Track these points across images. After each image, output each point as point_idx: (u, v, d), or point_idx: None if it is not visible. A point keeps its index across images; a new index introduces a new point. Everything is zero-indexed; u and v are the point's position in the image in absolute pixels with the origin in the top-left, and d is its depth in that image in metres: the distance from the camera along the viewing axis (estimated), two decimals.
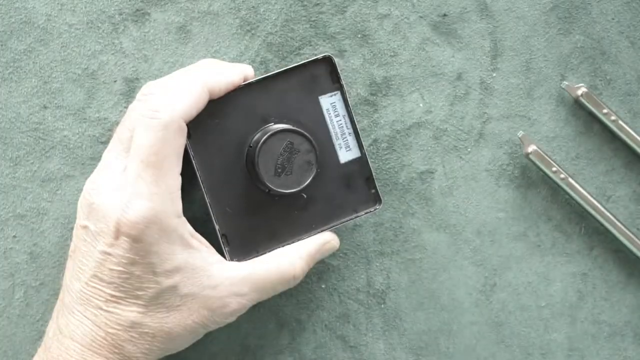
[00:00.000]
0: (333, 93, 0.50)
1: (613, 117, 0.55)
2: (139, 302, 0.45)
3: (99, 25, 0.52)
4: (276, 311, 0.54)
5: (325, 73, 0.50)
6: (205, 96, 0.47)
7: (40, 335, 0.50)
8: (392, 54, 0.55)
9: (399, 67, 0.55)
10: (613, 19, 0.56)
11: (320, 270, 0.54)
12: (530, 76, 0.56)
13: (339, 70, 0.50)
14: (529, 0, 0.56)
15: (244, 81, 0.49)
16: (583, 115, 0.56)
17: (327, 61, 0.50)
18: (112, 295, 0.45)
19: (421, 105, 0.55)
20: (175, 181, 0.46)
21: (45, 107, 0.52)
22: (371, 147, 0.55)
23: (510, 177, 0.56)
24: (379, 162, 0.55)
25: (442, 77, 0.55)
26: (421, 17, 0.55)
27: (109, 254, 0.45)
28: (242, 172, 0.49)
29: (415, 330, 0.55)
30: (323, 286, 0.55)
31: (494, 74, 0.56)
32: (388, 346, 0.55)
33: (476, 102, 0.55)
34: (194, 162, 0.48)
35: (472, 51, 0.55)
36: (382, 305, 0.55)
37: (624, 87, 0.56)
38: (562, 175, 0.55)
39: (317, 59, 0.50)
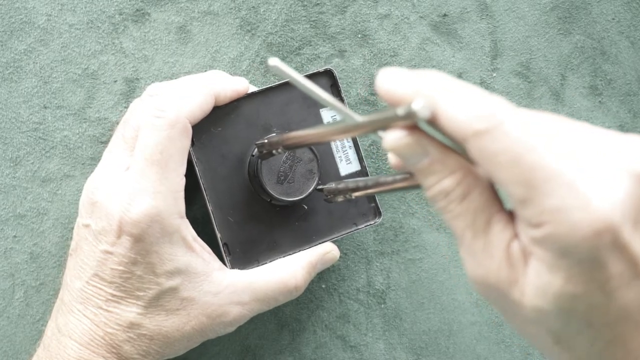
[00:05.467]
0: None
1: None
2: (139, 302, 0.45)
3: (99, 25, 0.52)
4: (276, 311, 0.54)
5: (326, 86, 0.50)
6: (211, 100, 0.47)
7: (40, 335, 0.50)
8: (392, 54, 0.55)
9: (399, 67, 0.55)
10: (613, 19, 0.56)
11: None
12: (530, 76, 0.56)
13: (339, 84, 0.50)
14: (529, 0, 0.56)
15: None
16: (583, 116, 0.56)
17: (329, 74, 0.50)
18: (113, 295, 0.45)
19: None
20: (179, 181, 0.46)
21: (46, 107, 0.52)
22: (371, 147, 0.55)
23: None
24: (379, 162, 0.55)
25: None
26: (421, 17, 0.55)
27: (111, 252, 0.45)
28: (245, 181, 0.49)
29: (415, 330, 0.55)
30: (323, 286, 0.55)
31: (494, 74, 0.56)
32: (388, 346, 0.55)
33: None
34: (197, 169, 0.48)
35: (472, 51, 0.55)
36: (382, 305, 0.55)
37: (624, 87, 0.56)
38: None
39: (318, 71, 0.50)
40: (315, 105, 0.50)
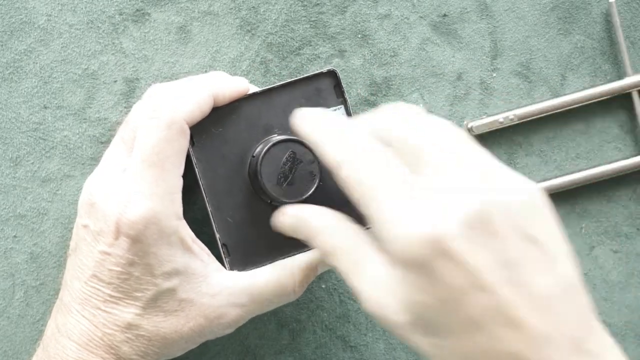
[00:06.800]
0: (337, 107, 0.50)
1: None
2: (137, 303, 0.45)
3: (99, 25, 0.52)
4: (276, 311, 0.54)
5: (329, 87, 0.50)
6: (210, 100, 0.47)
7: (40, 335, 0.50)
8: (392, 54, 0.55)
9: (399, 67, 0.55)
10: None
11: None
12: (530, 76, 0.56)
13: (342, 85, 0.50)
14: (529, 0, 0.56)
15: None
16: (583, 116, 0.56)
17: (332, 75, 0.50)
18: (111, 296, 0.45)
19: (421, 105, 0.55)
20: (176, 182, 0.46)
21: (46, 107, 0.52)
22: None
23: None
24: None
25: (442, 77, 0.55)
26: (421, 17, 0.55)
27: (109, 253, 0.45)
28: (245, 182, 0.49)
29: None
30: (323, 286, 0.55)
31: (494, 74, 0.56)
32: (388, 346, 0.55)
33: (476, 102, 0.55)
34: (196, 170, 0.48)
35: (472, 51, 0.55)
36: None
37: None
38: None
39: (321, 72, 0.50)
40: (317, 106, 0.50)
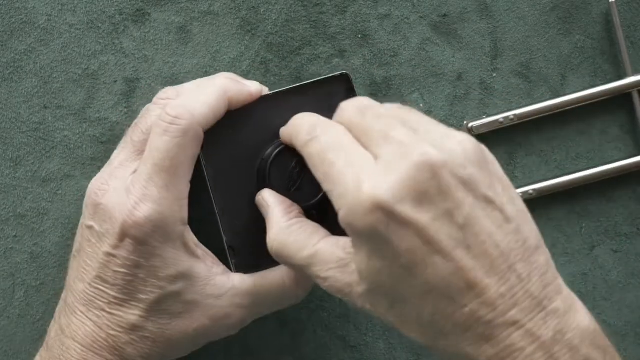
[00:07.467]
0: None
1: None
2: (141, 305, 0.45)
3: (99, 25, 0.52)
4: (276, 311, 0.54)
5: (341, 91, 0.49)
6: (225, 105, 0.47)
7: (40, 335, 0.50)
8: (392, 54, 0.55)
9: (399, 67, 0.55)
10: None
11: None
12: (530, 76, 0.56)
13: (355, 89, 0.49)
14: (529, 1, 0.56)
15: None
16: (583, 115, 0.56)
17: (344, 79, 0.49)
18: (115, 297, 0.45)
19: (421, 105, 0.55)
20: (184, 188, 0.46)
21: (46, 107, 0.52)
22: None
23: (511, 177, 0.56)
24: None
25: (442, 77, 0.55)
26: (421, 17, 0.55)
27: (114, 255, 0.45)
28: (253, 185, 0.48)
29: None
30: None
31: (494, 74, 0.56)
32: (388, 346, 0.55)
33: (476, 102, 0.55)
34: (205, 172, 0.48)
35: (472, 51, 0.55)
36: None
37: None
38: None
39: (334, 76, 0.49)
40: (329, 110, 0.49)
